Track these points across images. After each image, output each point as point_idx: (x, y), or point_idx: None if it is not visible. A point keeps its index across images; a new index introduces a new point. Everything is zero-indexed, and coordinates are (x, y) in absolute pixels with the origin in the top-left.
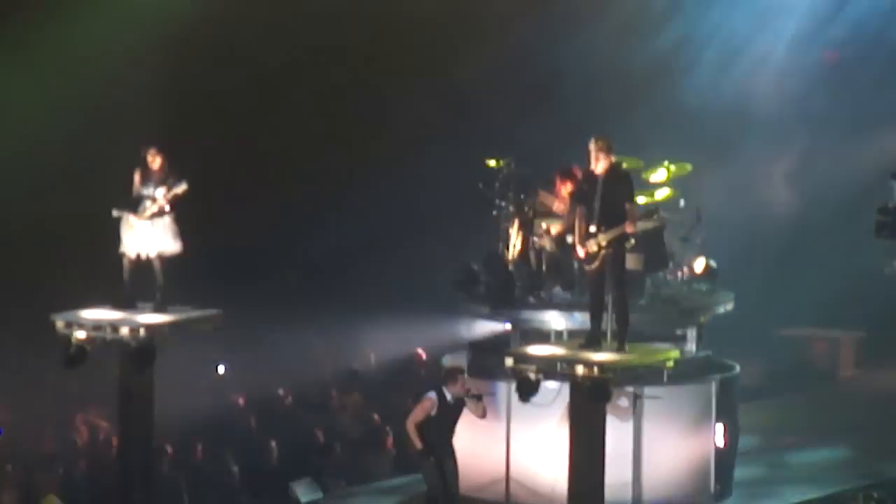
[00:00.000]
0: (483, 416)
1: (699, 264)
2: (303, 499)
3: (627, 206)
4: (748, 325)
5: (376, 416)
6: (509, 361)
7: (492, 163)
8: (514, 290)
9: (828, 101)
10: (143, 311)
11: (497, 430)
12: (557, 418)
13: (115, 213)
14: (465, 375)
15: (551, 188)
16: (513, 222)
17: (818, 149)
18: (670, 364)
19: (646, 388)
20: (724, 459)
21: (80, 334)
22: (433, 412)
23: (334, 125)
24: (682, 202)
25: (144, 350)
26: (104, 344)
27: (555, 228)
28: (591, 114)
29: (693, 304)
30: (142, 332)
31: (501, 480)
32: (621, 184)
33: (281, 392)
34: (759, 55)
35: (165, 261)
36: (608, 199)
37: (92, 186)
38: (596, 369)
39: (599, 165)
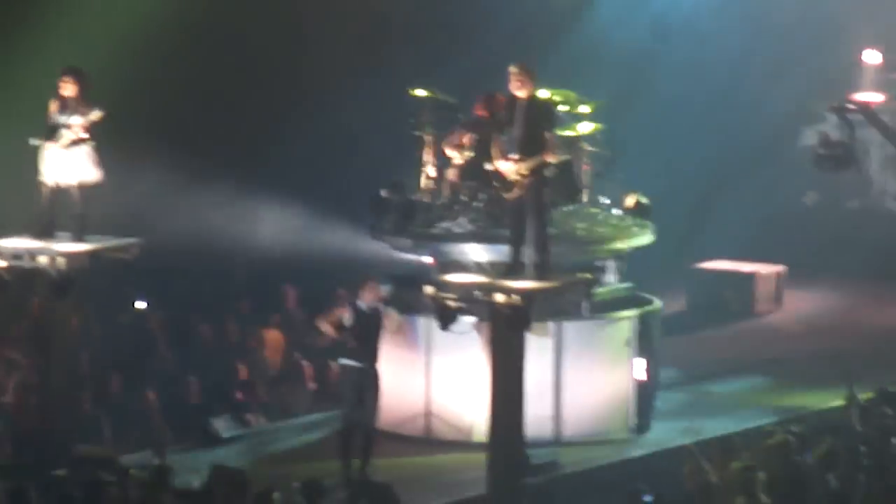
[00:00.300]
0: (398, 330)
1: (630, 199)
2: (224, 434)
3: (548, 134)
4: (668, 261)
5: (297, 353)
6: (429, 290)
7: (419, 93)
8: (412, 218)
9: (746, 40)
10: (61, 239)
11: (416, 365)
12: (477, 351)
13: (31, 141)
14: (374, 285)
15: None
16: (426, 151)
17: (736, 87)
18: (591, 288)
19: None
20: (645, 393)
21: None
22: (348, 322)
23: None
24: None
25: (63, 278)
26: (23, 273)
27: (460, 159)
28: (517, 47)
29: (608, 234)
30: (60, 260)
31: (421, 415)
32: (542, 112)
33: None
34: None
35: (85, 189)
36: (529, 127)
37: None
38: (515, 297)
39: (521, 92)
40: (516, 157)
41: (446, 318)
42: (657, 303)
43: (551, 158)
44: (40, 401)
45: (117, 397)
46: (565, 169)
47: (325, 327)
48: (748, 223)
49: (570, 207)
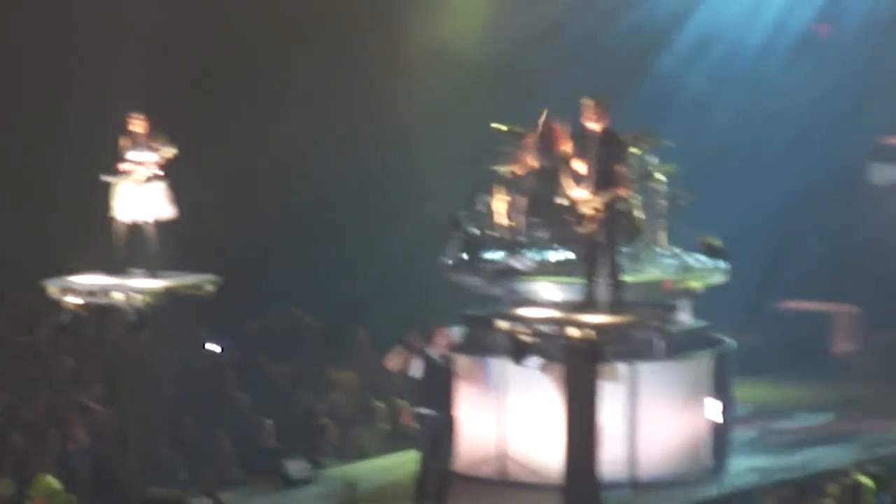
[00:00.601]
0: (468, 375)
1: (703, 240)
2: (296, 476)
3: (620, 168)
4: (745, 301)
5: (369, 394)
6: (503, 324)
7: (498, 126)
8: (476, 253)
9: (817, 80)
10: (135, 276)
11: (490, 406)
12: (551, 392)
13: (104, 178)
14: (444, 333)
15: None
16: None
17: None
18: (666, 326)
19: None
20: (719, 434)
21: (74, 300)
22: (418, 373)
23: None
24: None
25: (139, 316)
26: (98, 310)
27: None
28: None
29: (680, 274)
30: (136, 297)
31: (496, 458)
32: (615, 146)
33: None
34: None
35: (158, 226)
36: (602, 162)
37: (81, 152)
38: (590, 331)
39: (595, 125)
40: (589, 191)
41: (520, 353)
42: (732, 343)
43: (624, 192)
44: (115, 443)
45: (191, 439)
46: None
47: (394, 363)
48: (824, 262)
49: (634, 248)
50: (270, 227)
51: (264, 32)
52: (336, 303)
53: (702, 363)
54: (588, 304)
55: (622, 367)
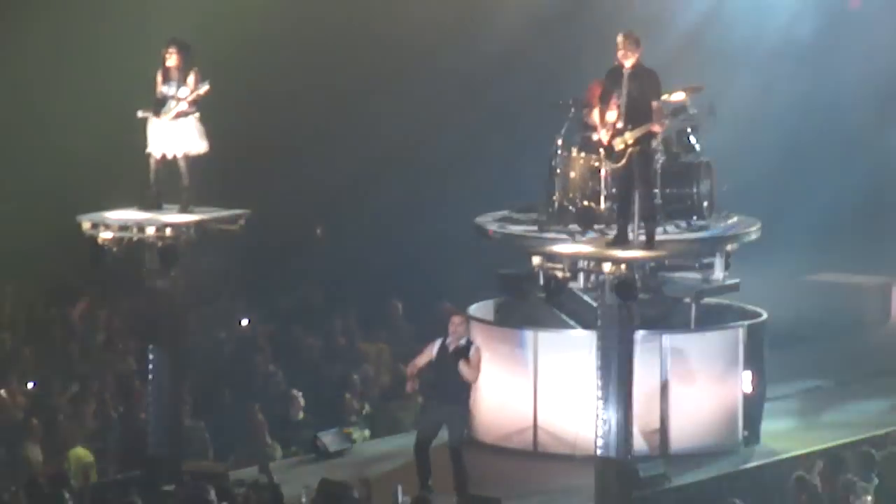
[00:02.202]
0: (471, 378)
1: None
2: (331, 448)
3: (654, 103)
4: (778, 273)
5: (402, 367)
6: (536, 260)
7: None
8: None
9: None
10: (169, 211)
11: (524, 378)
12: (584, 363)
13: (139, 113)
14: (459, 318)
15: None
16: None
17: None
18: (700, 259)
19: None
20: (752, 406)
21: (106, 235)
22: (434, 357)
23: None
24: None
25: (169, 249)
26: (129, 244)
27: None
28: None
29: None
30: (167, 231)
31: (529, 429)
32: (648, 81)
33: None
34: None
35: (192, 161)
36: (634, 97)
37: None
38: (623, 266)
39: (627, 61)
40: (622, 126)
41: (554, 289)
42: (764, 315)
43: (657, 127)
44: (146, 414)
45: (223, 411)
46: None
47: (409, 376)
48: (858, 233)
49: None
50: (308, 200)
51: None
52: (370, 275)
53: (735, 334)
54: (622, 240)
55: (656, 337)
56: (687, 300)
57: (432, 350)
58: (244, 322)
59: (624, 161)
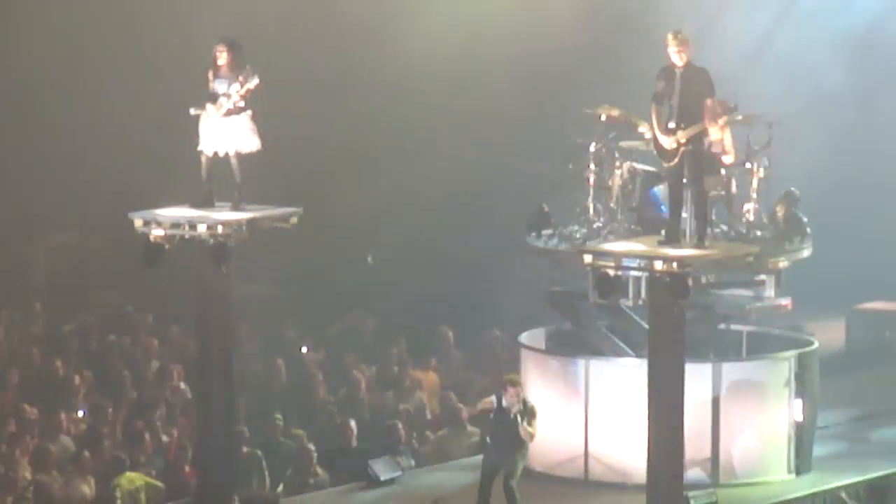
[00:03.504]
0: (530, 440)
1: (780, 208)
2: (382, 476)
3: (707, 102)
4: (829, 300)
5: (453, 395)
6: (588, 258)
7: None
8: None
9: None
10: (221, 209)
11: (575, 406)
12: (636, 392)
13: (192, 111)
14: (518, 388)
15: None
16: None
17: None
18: (751, 259)
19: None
20: (803, 434)
21: (158, 232)
22: (491, 415)
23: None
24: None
25: (221, 247)
26: (182, 242)
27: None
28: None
29: (772, 248)
30: (219, 228)
31: (580, 457)
32: (700, 79)
33: (356, 374)
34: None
35: (243, 158)
36: (686, 95)
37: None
38: (675, 264)
39: (678, 60)
40: (674, 125)
41: (605, 287)
42: (815, 343)
43: (710, 125)
44: (198, 441)
45: (275, 439)
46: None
47: (482, 406)
48: None
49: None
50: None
51: None
52: (421, 303)
53: (785, 363)
54: (673, 238)
55: (706, 367)
56: (737, 328)
57: (491, 404)
58: (304, 350)
59: (676, 160)
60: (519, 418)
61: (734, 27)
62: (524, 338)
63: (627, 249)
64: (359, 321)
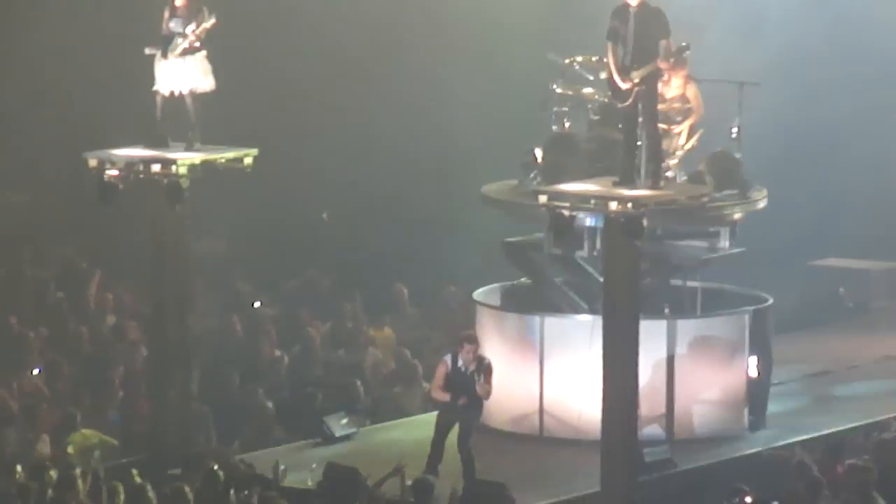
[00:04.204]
0: (486, 396)
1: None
2: (337, 433)
3: (662, 42)
4: (780, 257)
5: (407, 351)
6: (543, 198)
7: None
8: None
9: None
10: (175, 149)
11: (530, 364)
12: (590, 349)
13: (147, 50)
14: (475, 346)
15: None
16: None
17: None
18: (704, 198)
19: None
20: (758, 391)
21: (113, 172)
22: (448, 372)
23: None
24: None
25: (175, 186)
26: (136, 180)
27: None
28: None
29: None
30: (173, 168)
31: (535, 414)
32: (654, 19)
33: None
34: None
35: (198, 98)
36: (641, 35)
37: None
38: (630, 204)
39: (633, 0)
40: (628, 64)
41: (561, 227)
42: (769, 300)
43: (664, 65)
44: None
45: (228, 395)
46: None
47: (439, 395)
48: (863, 219)
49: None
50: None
51: None
52: (376, 259)
53: (741, 319)
54: (628, 179)
55: (661, 324)
56: (692, 285)
57: (447, 368)
58: (257, 304)
59: (630, 100)
60: (475, 376)
61: None
62: (479, 294)
63: (582, 190)
64: (315, 278)
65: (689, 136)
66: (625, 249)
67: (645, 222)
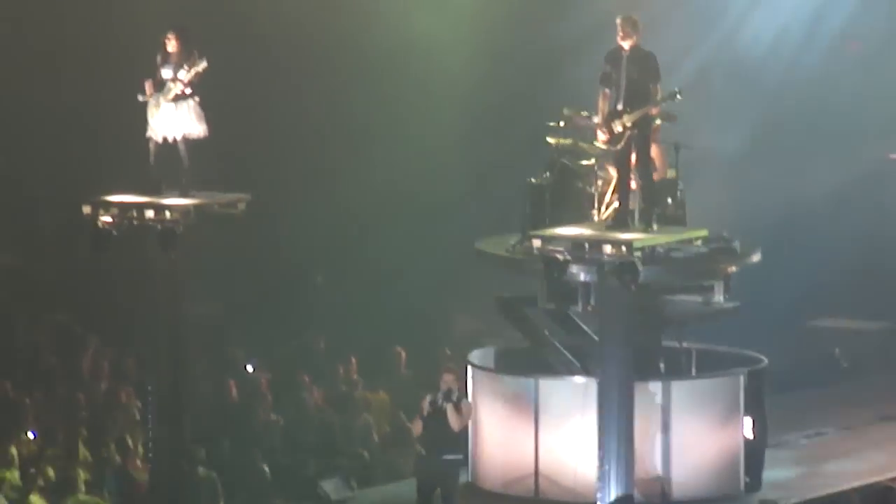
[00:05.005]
0: (456, 426)
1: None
2: (333, 497)
3: (652, 86)
4: (775, 315)
5: (402, 415)
6: (537, 243)
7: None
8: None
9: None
10: (169, 195)
11: (526, 425)
12: (586, 412)
13: (139, 97)
14: (451, 376)
15: None
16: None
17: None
18: (698, 242)
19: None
20: (754, 453)
21: (107, 218)
22: (424, 408)
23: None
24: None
25: (169, 232)
26: (130, 227)
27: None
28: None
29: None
30: (167, 214)
31: (530, 476)
32: (646, 64)
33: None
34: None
35: (190, 144)
36: (633, 80)
37: (119, 72)
38: (623, 248)
39: (625, 43)
40: (621, 108)
41: (555, 272)
42: (765, 360)
43: (656, 110)
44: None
45: (226, 459)
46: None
47: (415, 426)
48: (856, 278)
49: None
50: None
51: None
52: (371, 323)
53: (735, 380)
54: (621, 223)
55: (656, 385)
56: (687, 346)
57: (426, 402)
58: (250, 368)
59: (623, 144)
60: (446, 405)
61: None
62: (474, 356)
63: (576, 234)
64: (310, 341)
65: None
66: (619, 301)
67: (640, 266)
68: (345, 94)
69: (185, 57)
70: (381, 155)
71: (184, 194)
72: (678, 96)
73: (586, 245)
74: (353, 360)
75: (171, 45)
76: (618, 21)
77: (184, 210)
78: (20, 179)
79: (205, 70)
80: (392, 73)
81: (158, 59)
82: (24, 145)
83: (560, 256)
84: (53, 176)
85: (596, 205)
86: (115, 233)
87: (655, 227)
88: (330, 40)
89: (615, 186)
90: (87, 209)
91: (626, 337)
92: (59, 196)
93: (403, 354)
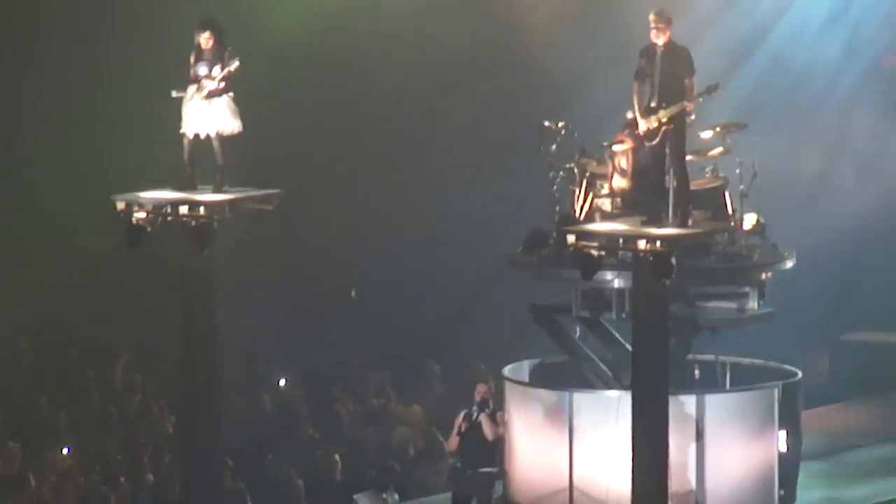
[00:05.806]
0: (491, 436)
1: (749, 220)
2: None
3: (687, 81)
4: (810, 329)
5: (436, 430)
6: (571, 238)
7: (547, 124)
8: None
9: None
10: (203, 191)
11: (560, 439)
12: (620, 426)
13: (174, 93)
14: (485, 386)
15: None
16: (578, 183)
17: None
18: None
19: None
20: (788, 466)
21: (140, 214)
22: (463, 427)
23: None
24: (738, 160)
25: (203, 228)
26: (164, 223)
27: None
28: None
29: (758, 260)
30: (201, 210)
31: (565, 490)
32: (681, 59)
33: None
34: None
35: (224, 140)
36: (668, 75)
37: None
38: (658, 243)
39: (659, 39)
40: (656, 104)
41: (589, 268)
42: (799, 373)
43: (691, 105)
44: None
45: (262, 474)
46: (718, 195)
47: (451, 442)
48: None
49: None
50: (345, 262)
51: None
52: (406, 336)
53: (770, 393)
54: (656, 218)
55: (690, 399)
56: (722, 359)
57: (459, 420)
58: (282, 382)
59: (658, 139)
60: (479, 416)
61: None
62: (508, 371)
63: (611, 229)
64: (345, 355)
65: None
66: (654, 305)
67: (674, 261)
68: (383, 110)
69: (220, 54)
70: (413, 168)
71: (218, 191)
72: (716, 91)
73: (620, 240)
74: (387, 373)
75: (206, 42)
76: (651, 17)
77: (218, 206)
78: (62, 200)
79: (237, 69)
80: (431, 88)
81: (192, 56)
82: (58, 156)
83: (594, 252)
84: (89, 193)
85: (580, 200)
86: (149, 229)
87: (690, 221)
88: (376, 51)
89: (651, 183)
90: (120, 205)
91: (660, 346)
92: (96, 211)
93: (437, 368)
